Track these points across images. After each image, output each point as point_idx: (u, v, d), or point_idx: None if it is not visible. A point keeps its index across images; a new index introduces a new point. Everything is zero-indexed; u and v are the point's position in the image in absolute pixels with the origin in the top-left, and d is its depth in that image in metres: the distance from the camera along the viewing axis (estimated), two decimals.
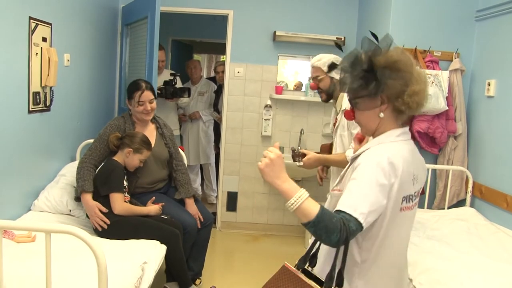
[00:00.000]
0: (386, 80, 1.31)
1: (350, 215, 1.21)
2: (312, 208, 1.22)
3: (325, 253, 1.40)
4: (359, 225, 1.21)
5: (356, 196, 1.24)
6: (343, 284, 1.29)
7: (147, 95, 2.67)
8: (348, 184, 1.29)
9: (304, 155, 2.42)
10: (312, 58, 2.51)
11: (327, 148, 2.54)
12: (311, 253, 1.38)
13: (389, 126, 1.39)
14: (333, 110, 2.57)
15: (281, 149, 4.09)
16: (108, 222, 2.42)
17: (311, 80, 2.55)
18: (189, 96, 4.04)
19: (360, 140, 1.63)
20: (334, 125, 2.49)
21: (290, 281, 1.31)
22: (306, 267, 1.36)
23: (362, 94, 1.36)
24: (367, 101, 1.37)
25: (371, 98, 1.35)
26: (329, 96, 2.45)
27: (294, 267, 1.36)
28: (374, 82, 1.32)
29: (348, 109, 1.45)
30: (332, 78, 2.40)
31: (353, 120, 1.45)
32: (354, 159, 1.40)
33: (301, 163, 2.42)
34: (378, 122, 1.39)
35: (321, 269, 1.37)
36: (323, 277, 1.30)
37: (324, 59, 2.42)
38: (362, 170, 1.29)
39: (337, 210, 1.24)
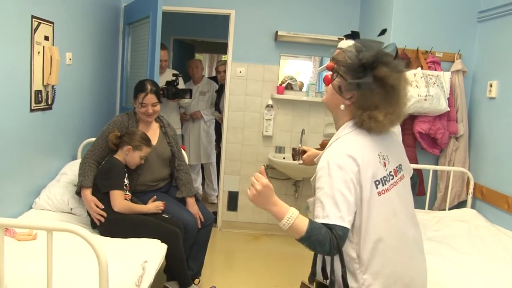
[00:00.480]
0: (367, 89, 1.32)
1: (331, 224, 1.26)
2: (302, 225, 1.27)
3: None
4: (344, 229, 1.27)
5: (327, 205, 1.28)
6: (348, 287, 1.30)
7: (151, 98, 2.68)
8: (316, 194, 1.32)
9: (304, 152, 2.41)
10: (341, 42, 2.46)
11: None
12: (321, 266, 1.40)
13: (346, 118, 1.43)
14: None
15: (282, 149, 4.11)
16: (104, 215, 2.43)
17: (329, 60, 2.52)
18: (190, 97, 4.05)
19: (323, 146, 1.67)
20: None
21: None
22: (322, 280, 1.39)
23: (343, 77, 1.38)
24: (343, 84, 1.39)
25: (352, 88, 1.36)
26: None
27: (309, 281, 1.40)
28: (356, 79, 1.33)
29: (329, 75, 1.46)
30: None
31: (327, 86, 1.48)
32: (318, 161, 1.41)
33: (301, 161, 2.42)
34: (337, 108, 1.43)
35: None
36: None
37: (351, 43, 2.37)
38: (323, 176, 1.32)
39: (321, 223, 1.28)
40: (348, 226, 1.28)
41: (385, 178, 1.38)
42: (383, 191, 1.36)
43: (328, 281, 1.36)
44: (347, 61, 1.36)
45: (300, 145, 2.35)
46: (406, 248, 1.41)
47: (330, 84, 1.45)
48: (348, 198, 1.29)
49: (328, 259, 1.35)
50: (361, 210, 1.33)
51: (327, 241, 1.24)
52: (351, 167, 1.31)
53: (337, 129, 1.46)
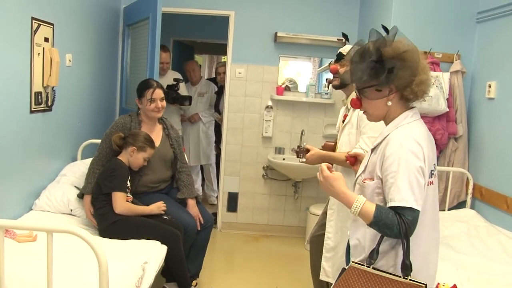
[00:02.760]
0: (396, 71, 1.39)
1: (404, 207, 1.32)
2: (370, 211, 1.36)
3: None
4: (415, 212, 1.33)
5: (402, 188, 1.34)
6: (411, 271, 1.35)
7: (159, 92, 2.73)
8: (388, 178, 1.38)
9: (307, 150, 2.40)
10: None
11: (331, 148, 2.52)
12: (375, 250, 1.45)
13: (399, 111, 1.48)
14: (342, 108, 2.54)
15: (282, 150, 4.11)
16: (94, 223, 2.55)
17: (332, 62, 2.50)
18: (190, 104, 4.05)
19: (352, 162, 1.85)
20: (342, 122, 2.46)
21: (364, 278, 1.40)
22: (366, 265, 1.44)
23: (371, 84, 1.43)
24: (375, 91, 1.44)
25: (380, 88, 1.43)
26: (341, 84, 2.39)
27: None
28: (383, 73, 1.39)
29: (354, 97, 1.52)
30: None
31: (360, 110, 1.54)
32: (376, 147, 1.49)
33: (304, 160, 2.41)
34: (386, 110, 1.48)
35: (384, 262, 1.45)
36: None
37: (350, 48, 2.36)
38: (395, 161, 1.37)
39: (391, 207, 1.35)
40: (420, 209, 1.34)
41: (433, 171, 1.47)
42: (431, 183, 1.45)
43: (373, 265, 1.42)
44: (362, 76, 1.43)
45: (304, 143, 2.35)
46: (437, 240, 1.52)
47: (364, 101, 1.50)
48: (421, 182, 1.36)
49: (392, 243, 1.43)
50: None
51: (395, 225, 1.31)
52: (422, 153, 1.38)
53: (387, 122, 1.52)
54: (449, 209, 3.11)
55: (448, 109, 3.03)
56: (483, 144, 3.05)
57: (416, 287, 1.32)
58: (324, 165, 1.48)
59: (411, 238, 1.37)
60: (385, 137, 1.46)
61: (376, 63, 1.40)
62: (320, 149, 2.48)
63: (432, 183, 1.46)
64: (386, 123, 1.52)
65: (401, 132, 1.43)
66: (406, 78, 1.41)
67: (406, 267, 1.35)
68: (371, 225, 1.37)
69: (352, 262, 1.46)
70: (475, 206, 3.07)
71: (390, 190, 1.37)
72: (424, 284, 1.32)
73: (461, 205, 3.16)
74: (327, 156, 2.36)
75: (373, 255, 1.41)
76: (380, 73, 1.40)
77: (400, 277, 1.35)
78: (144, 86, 2.74)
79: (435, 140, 3.07)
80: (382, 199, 1.45)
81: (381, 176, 1.43)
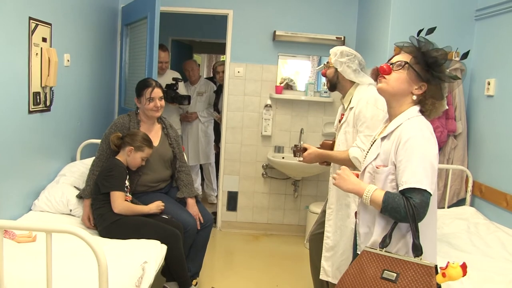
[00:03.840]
0: (434, 81, 1.52)
1: (413, 190, 1.39)
2: (379, 197, 1.44)
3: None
4: (427, 195, 1.39)
5: (417, 171, 1.40)
6: (422, 252, 1.41)
7: (157, 92, 2.72)
8: (404, 161, 1.44)
9: (305, 149, 2.40)
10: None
11: (329, 146, 2.52)
12: (388, 235, 1.51)
13: (409, 104, 1.58)
14: (340, 107, 2.54)
15: (281, 148, 4.11)
16: (90, 226, 2.56)
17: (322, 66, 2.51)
18: (189, 104, 4.05)
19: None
20: (339, 121, 2.46)
21: (377, 261, 1.46)
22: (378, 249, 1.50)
23: (414, 68, 1.53)
24: (413, 72, 1.53)
25: (417, 75, 1.53)
26: (332, 85, 2.40)
27: None
28: (426, 72, 1.52)
29: (385, 66, 1.58)
30: (336, 69, 2.32)
31: (386, 75, 1.58)
32: (388, 135, 1.56)
33: (301, 159, 2.41)
34: (404, 95, 1.56)
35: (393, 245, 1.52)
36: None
37: (336, 48, 2.35)
38: (411, 146, 1.44)
39: (402, 190, 1.42)
40: (432, 193, 1.42)
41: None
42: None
43: (385, 249, 1.48)
44: (424, 55, 1.53)
45: (301, 142, 2.35)
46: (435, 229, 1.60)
47: (396, 73, 1.57)
48: (435, 168, 1.44)
49: (403, 226, 1.48)
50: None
51: (401, 207, 1.38)
52: (434, 142, 1.47)
53: (393, 114, 1.60)
54: (448, 207, 3.11)
55: (447, 107, 3.02)
56: (482, 141, 3.04)
57: (427, 267, 1.36)
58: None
59: (423, 223, 1.43)
60: (398, 126, 1.52)
61: (432, 63, 1.51)
62: (318, 147, 2.48)
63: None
64: (393, 114, 1.60)
65: (417, 121, 1.51)
66: (437, 93, 1.54)
67: (417, 248, 1.40)
68: (382, 211, 1.44)
69: (366, 247, 1.52)
70: (474, 203, 3.07)
71: (404, 173, 1.43)
72: (434, 264, 1.37)
73: (460, 202, 3.16)
74: (324, 155, 2.36)
75: (386, 239, 1.47)
76: (422, 69, 1.51)
77: (409, 257, 1.41)
78: (143, 86, 2.74)
79: None
80: (394, 186, 1.50)
81: (395, 162, 1.48)
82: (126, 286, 1.85)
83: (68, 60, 2.91)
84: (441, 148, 3.19)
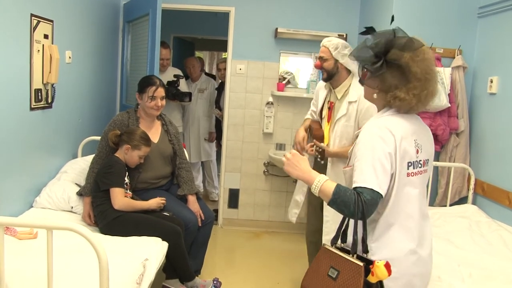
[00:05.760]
0: (383, 72, 1.46)
1: (364, 187, 1.36)
2: (329, 188, 1.40)
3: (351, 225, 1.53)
4: (376, 194, 1.36)
5: (365, 170, 1.39)
6: (368, 251, 1.42)
7: (160, 91, 2.72)
8: (355, 162, 1.44)
9: (323, 151, 2.47)
10: (324, 39, 2.54)
11: (321, 138, 2.56)
12: (341, 230, 1.52)
13: (382, 106, 1.56)
14: (325, 92, 2.63)
15: (283, 146, 4.10)
16: (90, 223, 2.56)
17: (317, 59, 2.60)
18: (190, 100, 4.05)
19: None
20: (329, 109, 2.54)
21: (328, 257, 1.47)
22: (339, 244, 1.52)
23: (366, 67, 1.51)
24: (369, 77, 1.53)
25: (372, 76, 1.50)
26: (329, 76, 2.51)
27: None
28: (377, 65, 1.47)
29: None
30: (337, 61, 2.45)
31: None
32: (357, 136, 1.53)
33: (322, 162, 2.50)
34: (372, 99, 1.56)
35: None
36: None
37: (334, 41, 2.47)
38: (363, 145, 1.43)
39: (354, 187, 1.40)
40: (382, 193, 1.38)
41: (415, 163, 1.49)
42: (412, 174, 1.48)
43: (345, 244, 1.50)
44: (363, 56, 1.51)
45: (322, 144, 2.41)
46: (419, 234, 1.51)
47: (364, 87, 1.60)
48: (387, 168, 1.40)
49: (352, 221, 1.46)
50: (392, 185, 1.44)
51: (351, 203, 1.35)
52: (391, 140, 1.42)
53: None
54: (450, 205, 3.10)
55: (449, 105, 3.02)
56: (484, 139, 3.03)
57: (357, 266, 1.37)
58: (293, 150, 1.58)
59: (387, 221, 1.44)
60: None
61: (377, 56, 1.47)
62: (307, 132, 2.61)
63: (417, 174, 1.49)
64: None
65: (374, 121, 1.50)
66: (387, 85, 1.48)
67: (355, 244, 1.41)
68: (330, 203, 1.40)
69: (323, 244, 1.55)
70: (476, 201, 3.06)
71: (355, 172, 1.42)
72: (361, 264, 1.37)
73: (462, 200, 3.16)
74: (339, 154, 2.42)
75: (338, 235, 1.50)
76: (372, 66, 1.48)
77: (350, 255, 1.42)
78: (147, 83, 2.72)
79: (437, 135, 3.07)
80: None
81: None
82: (127, 283, 1.85)
83: (69, 57, 2.91)
84: (443, 146, 3.19)
